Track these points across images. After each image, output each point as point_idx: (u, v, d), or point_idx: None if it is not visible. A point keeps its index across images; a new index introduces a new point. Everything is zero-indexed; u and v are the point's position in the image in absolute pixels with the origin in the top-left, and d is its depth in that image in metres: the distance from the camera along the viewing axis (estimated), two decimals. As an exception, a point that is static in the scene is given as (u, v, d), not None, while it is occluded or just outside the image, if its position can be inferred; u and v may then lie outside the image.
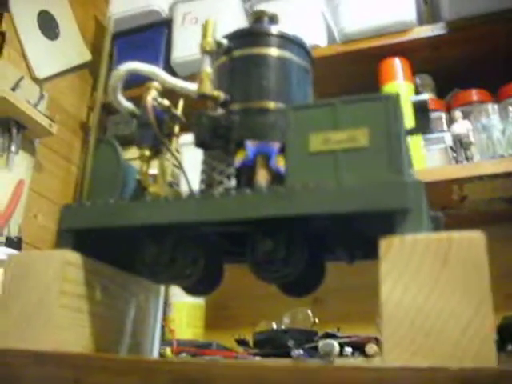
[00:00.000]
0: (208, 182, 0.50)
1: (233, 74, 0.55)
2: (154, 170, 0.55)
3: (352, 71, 1.58)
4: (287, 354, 1.11)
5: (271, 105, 0.52)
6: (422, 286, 0.37)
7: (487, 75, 1.43)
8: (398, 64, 1.47)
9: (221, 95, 0.52)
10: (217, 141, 0.50)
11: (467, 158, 1.31)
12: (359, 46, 1.54)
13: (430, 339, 0.36)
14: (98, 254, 0.52)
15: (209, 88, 0.52)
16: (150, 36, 1.82)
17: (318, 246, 0.50)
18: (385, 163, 0.43)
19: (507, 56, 1.45)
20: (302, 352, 1.11)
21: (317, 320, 1.27)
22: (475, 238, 0.37)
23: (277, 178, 0.50)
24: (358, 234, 0.47)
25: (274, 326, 1.29)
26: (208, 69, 0.53)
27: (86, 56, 1.90)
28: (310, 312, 1.28)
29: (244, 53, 0.55)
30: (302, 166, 0.45)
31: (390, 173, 0.42)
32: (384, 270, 0.38)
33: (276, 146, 0.51)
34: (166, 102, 0.56)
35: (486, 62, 1.48)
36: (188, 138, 0.66)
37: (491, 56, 1.47)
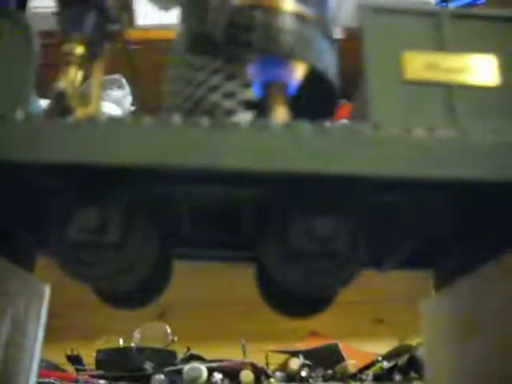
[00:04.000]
0: (201, 106, 0.29)
1: None
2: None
3: None
4: (144, 379, 0.89)
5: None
6: None
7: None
8: None
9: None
10: (226, 46, 0.29)
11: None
12: None
13: None
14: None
15: None
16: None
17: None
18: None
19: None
20: (162, 377, 0.90)
21: (175, 338, 1.06)
22: None
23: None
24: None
25: (121, 342, 1.05)
26: None
27: None
28: (168, 328, 1.07)
29: None
30: (392, 102, 0.27)
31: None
32: None
33: (295, 71, 0.32)
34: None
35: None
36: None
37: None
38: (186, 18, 0.30)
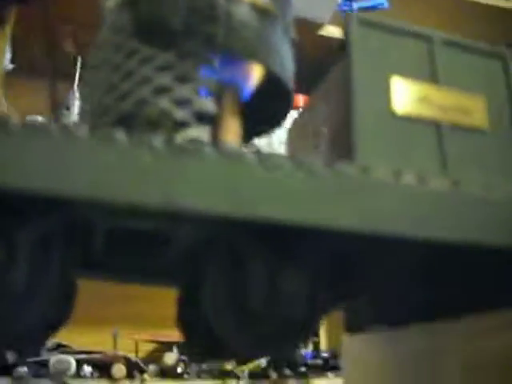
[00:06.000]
0: (143, 111, 0.23)
1: None
2: None
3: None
4: (5, 371, 0.80)
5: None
6: None
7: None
8: None
9: None
10: (183, 37, 0.23)
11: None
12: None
13: None
14: None
15: None
16: None
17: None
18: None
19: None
20: (25, 369, 0.82)
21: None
22: None
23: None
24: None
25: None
26: None
27: None
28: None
29: None
30: (381, 139, 0.23)
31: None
32: None
33: (253, 74, 0.27)
34: None
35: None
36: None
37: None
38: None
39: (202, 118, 0.23)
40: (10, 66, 0.95)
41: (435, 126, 0.24)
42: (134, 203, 0.18)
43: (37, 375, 0.82)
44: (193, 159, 0.19)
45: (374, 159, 0.22)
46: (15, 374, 0.80)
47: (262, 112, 0.29)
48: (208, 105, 0.23)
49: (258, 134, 0.31)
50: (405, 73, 0.24)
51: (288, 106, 0.29)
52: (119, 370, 0.86)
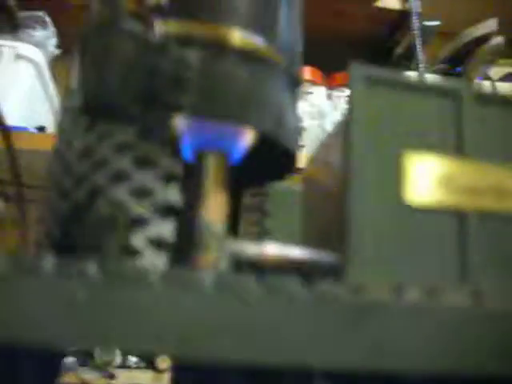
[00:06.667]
0: (91, 205, 0.19)
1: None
2: None
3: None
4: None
5: (252, 41, 0.23)
6: None
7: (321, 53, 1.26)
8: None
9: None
10: (140, 113, 0.19)
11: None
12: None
13: None
14: None
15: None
16: None
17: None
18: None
19: (352, 40, 1.29)
20: (72, 359, 0.83)
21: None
22: None
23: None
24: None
25: None
26: None
27: None
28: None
29: None
30: (383, 240, 0.18)
31: None
32: None
33: (242, 136, 0.23)
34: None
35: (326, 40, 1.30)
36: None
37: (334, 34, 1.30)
38: (81, 69, 0.20)
39: (166, 212, 0.19)
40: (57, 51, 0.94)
41: (458, 217, 0.19)
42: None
43: (83, 365, 0.83)
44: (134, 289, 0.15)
45: (373, 267, 0.18)
46: (63, 365, 0.81)
47: (257, 171, 0.25)
48: (172, 195, 0.20)
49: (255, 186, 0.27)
50: (421, 144, 0.19)
51: (290, 165, 0.24)
52: (164, 361, 0.86)
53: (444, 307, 0.17)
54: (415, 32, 1.03)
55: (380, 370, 0.16)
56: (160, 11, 0.20)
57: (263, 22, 0.24)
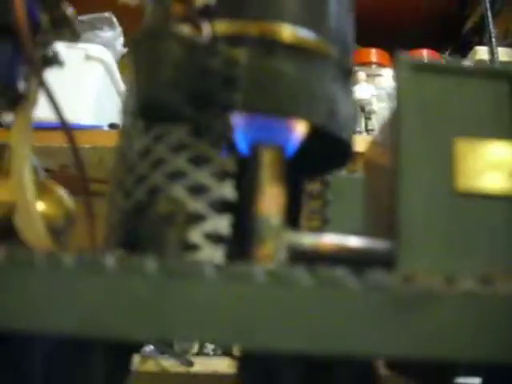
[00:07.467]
0: (150, 204, 0.20)
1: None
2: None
3: None
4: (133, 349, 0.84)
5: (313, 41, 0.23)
6: None
7: (389, 34, 1.23)
8: None
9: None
10: (191, 110, 0.20)
11: (367, 130, 1.09)
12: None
13: None
14: None
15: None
16: None
17: None
18: None
19: (422, 21, 1.25)
20: (152, 347, 0.86)
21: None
22: None
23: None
24: None
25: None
26: None
27: None
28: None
29: None
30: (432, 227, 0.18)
31: None
32: None
33: (296, 129, 0.24)
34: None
35: (396, 19, 1.27)
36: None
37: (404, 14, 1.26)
38: (134, 73, 0.21)
39: (221, 208, 0.20)
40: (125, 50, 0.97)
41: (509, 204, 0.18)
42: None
43: (162, 353, 0.86)
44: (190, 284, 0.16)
45: (424, 255, 0.18)
46: (143, 353, 0.85)
47: (317, 161, 0.26)
48: (227, 191, 0.20)
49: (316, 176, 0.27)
50: (474, 130, 0.19)
51: (345, 154, 0.25)
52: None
53: (498, 295, 0.17)
54: (486, 4, 0.99)
55: (431, 358, 0.16)
56: (208, 13, 0.21)
57: (313, 16, 0.24)
